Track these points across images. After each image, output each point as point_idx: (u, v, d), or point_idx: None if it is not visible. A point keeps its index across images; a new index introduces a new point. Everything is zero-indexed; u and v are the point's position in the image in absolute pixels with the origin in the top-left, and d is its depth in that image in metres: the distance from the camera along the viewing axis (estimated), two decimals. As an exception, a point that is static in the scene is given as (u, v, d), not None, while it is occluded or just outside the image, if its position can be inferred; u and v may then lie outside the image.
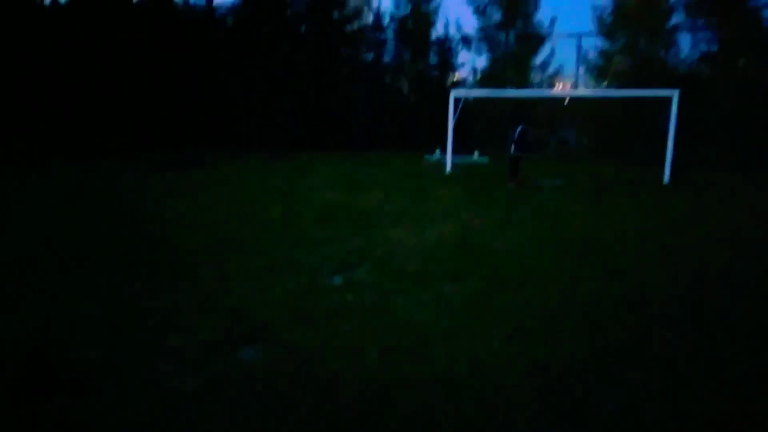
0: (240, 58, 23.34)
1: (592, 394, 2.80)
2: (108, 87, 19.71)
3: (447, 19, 40.79)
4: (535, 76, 27.78)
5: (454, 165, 14.66)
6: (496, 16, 27.92)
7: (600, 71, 24.71)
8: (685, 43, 24.33)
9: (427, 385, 2.89)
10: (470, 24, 37.35)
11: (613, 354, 3.29)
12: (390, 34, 29.41)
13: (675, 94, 12.21)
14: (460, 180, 12.66)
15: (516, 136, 11.62)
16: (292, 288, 4.47)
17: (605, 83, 22.65)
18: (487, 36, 28.36)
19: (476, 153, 19.34)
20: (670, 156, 12.36)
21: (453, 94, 14.40)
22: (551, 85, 26.97)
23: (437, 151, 19.85)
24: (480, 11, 28.12)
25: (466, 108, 14.88)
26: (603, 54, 24.53)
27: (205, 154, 18.36)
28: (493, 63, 28.44)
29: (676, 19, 23.72)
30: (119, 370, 3.00)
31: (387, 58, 29.65)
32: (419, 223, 7.34)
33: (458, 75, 29.61)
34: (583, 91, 13.62)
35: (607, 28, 25.17)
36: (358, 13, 28.43)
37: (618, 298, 4.33)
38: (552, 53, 28.41)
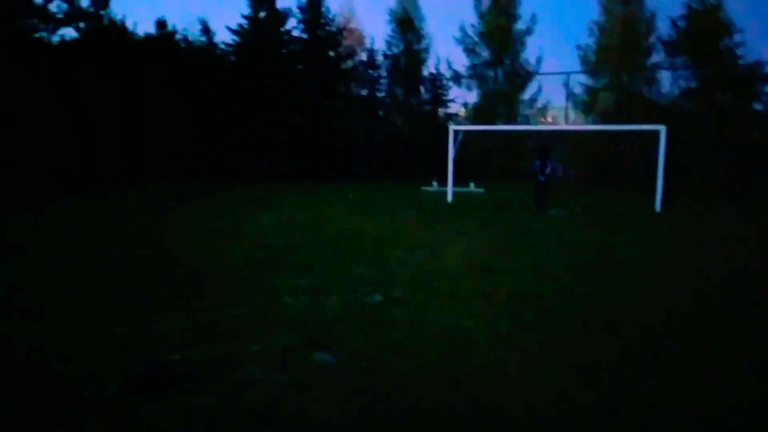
0: (240, 94, 24.09)
1: (621, 386, 3.31)
2: (109, 122, 20.27)
3: (438, 57, 41.98)
4: (524, 111, 28.83)
5: (453, 195, 15.29)
6: (485, 54, 29.14)
7: (586, 106, 25.84)
8: (666, 79, 25.42)
9: (486, 378, 3.37)
10: (460, 61, 38.69)
11: (631, 354, 3.81)
12: (383, 72, 30.50)
13: (662, 129, 13.07)
14: (463, 209, 13.26)
15: (543, 165, 12.48)
16: (341, 304, 4.94)
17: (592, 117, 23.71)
18: (477, 73, 29.51)
19: (472, 185, 20.05)
20: (661, 185, 13.12)
21: (452, 128, 15.12)
22: (540, 120, 28.11)
23: (434, 183, 20.52)
24: (469, 50, 29.34)
25: (460, 141, 15.58)
26: (588, 90, 25.69)
27: (209, 186, 18.83)
28: (484, 98, 29.49)
29: (657, 57, 25.05)
30: (218, 370, 3.45)
31: (381, 94, 30.66)
32: (436, 249, 7.85)
33: (459, 109, 30.68)
34: (576, 126, 14.42)
35: (591, 66, 26.44)
36: (352, 52, 29.52)
37: (631, 310, 4.86)
38: (539, 89, 29.52)
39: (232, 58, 26.06)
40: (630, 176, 23.67)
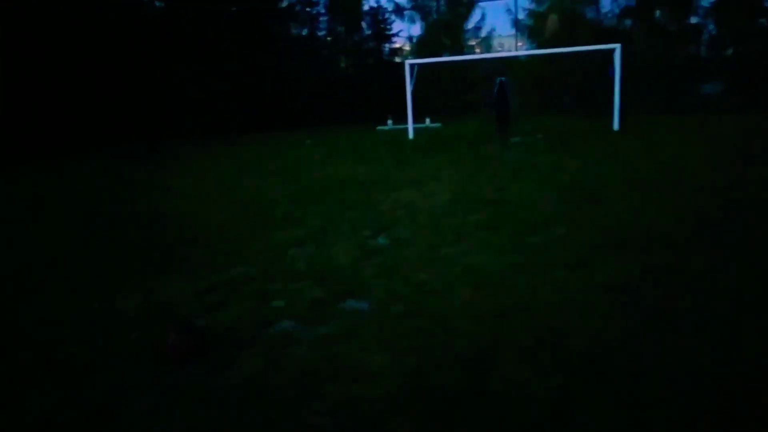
0: (171, 43, 22.50)
1: (656, 302, 3.38)
2: (39, 85, 18.50)
3: None
4: (469, 41, 28.47)
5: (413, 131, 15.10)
6: (426, -17, 28.27)
7: (531, 32, 25.75)
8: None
9: (525, 311, 3.36)
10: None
11: (656, 268, 3.90)
12: (322, 9, 29.17)
13: (618, 48, 13.18)
14: (428, 145, 13.13)
15: (500, 91, 12.11)
16: (351, 252, 4.79)
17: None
18: (419, 4, 28.70)
19: (428, 120, 19.88)
20: (618, 105, 13.38)
21: (408, 62, 14.72)
22: (488, 48, 27.83)
23: (389, 121, 20.22)
24: (410, -20, 28.38)
25: (416, 76, 15.24)
26: (533, 14, 25.52)
27: (159, 143, 17.82)
28: (428, 30, 28.84)
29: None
30: (252, 330, 3.28)
31: (322, 33, 29.46)
32: (421, 186, 7.74)
33: (403, 44, 29.93)
34: (530, 51, 14.29)
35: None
36: (287, -11, 27.97)
37: (636, 226, 4.97)
38: (483, 17, 29.08)
39: (159, 3, 24.16)
40: (577, 100, 24.10)
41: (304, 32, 29.16)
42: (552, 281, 3.78)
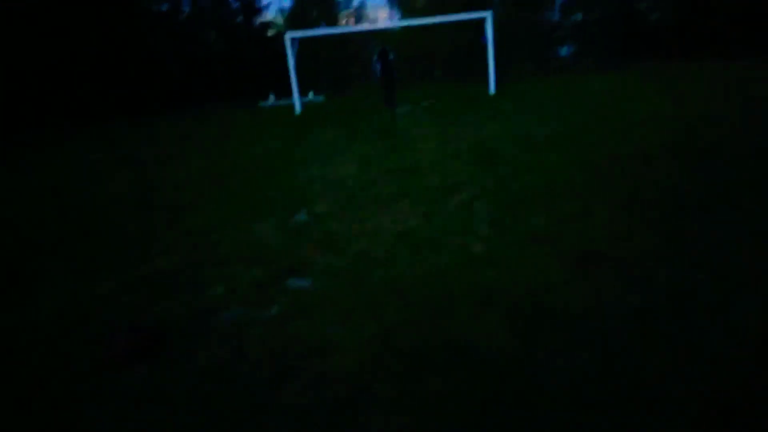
0: (24, 26, 19.76)
1: (555, 239, 3.78)
2: None
3: None
4: (342, 12, 28.37)
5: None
6: (292, -48, 27.50)
7: (401, 2, 26.22)
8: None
9: (463, 267, 3.59)
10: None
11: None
12: (182, -20, 27.23)
13: (489, 15, 13.90)
14: (318, 119, 13.01)
15: (384, 59, 12.16)
16: (276, 232, 4.72)
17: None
18: (287, -25, 27.89)
19: (311, 93, 19.62)
20: (493, 71, 14.19)
21: (288, 35, 14.37)
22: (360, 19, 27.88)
23: (271, 96, 19.68)
24: (274, -51, 27.40)
25: (298, 49, 14.91)
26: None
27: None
28: (298, 2, 28.22)
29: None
30: (198, 321, 3.16)
31: (186, 9, 27.55)
32: (325, 161, 7.71)
33: (274, 17, 28.92)
34: (407, 21, 14.61)
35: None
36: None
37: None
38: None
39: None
40: (446, 68, 25.15)
41: (164, 7, 27.07)
42: (481, 239, 4.05)
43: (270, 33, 28.85)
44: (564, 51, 27.09)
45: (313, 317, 3.10)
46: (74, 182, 8.30)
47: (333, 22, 27.12)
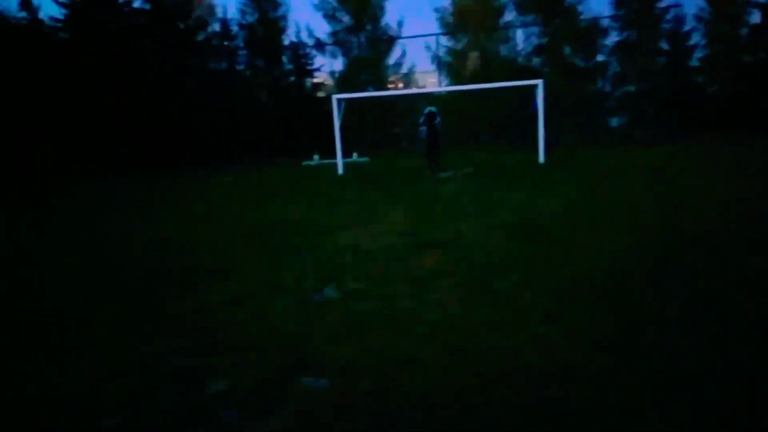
0: (77, 75, 20.89)
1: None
2: None
3: (297, 25, 38.30)
4: (390, 76, 28.85)
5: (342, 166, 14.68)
6: (346, 19, 28.46)
7: (450, 68, 26.50)
8: (519, 38, 26.73)
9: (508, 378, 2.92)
10: (323, 29, 37.34)
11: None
12: (240, 43, 28.55)
13: (540, 83, 13.58)
14: (360, 181, 12.73)
15: (430, 122, 11.92)
16: (296, 310, 4.18)
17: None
18: (340, 40, 28.80)
19: (355, 154, 19.59)
20: (542, 139, 13.71)
21: (335, 97, 14.41)
22: (410, 84, 28.29)
23: (315, 156, 19.74)
24: (330, 16, 28.48)
25: (344, 110, 14.93)
26: (452, 52, 26.31)
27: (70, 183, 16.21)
28: (349, 66, 28.92)
29: (509, 16, 26.34)
30: (188, 421, 2.58)
31: (241, 67, 28.75)
32: (361, 227, 7.24)
33: (325, 78, 29.78)
34: (457, 87, 14.45)
35: (450, 28, 27.09)
36: (204, 24, 27.14)
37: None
38: (403, 54, 29.54)
39: (63, 35, 22.48)
40: (493, 134, 24.94)
41: (223, 65, 28.29)
42: (532, 339, 3.37)
43: (320, 94, 29.57)
44: (615, 121, 26.54)
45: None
46: (89, 230, 8.09)
47: (382, 86, 27.53)
